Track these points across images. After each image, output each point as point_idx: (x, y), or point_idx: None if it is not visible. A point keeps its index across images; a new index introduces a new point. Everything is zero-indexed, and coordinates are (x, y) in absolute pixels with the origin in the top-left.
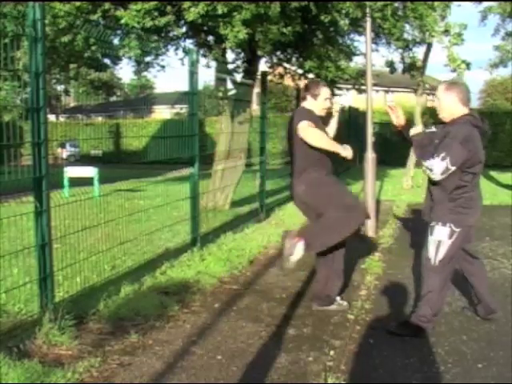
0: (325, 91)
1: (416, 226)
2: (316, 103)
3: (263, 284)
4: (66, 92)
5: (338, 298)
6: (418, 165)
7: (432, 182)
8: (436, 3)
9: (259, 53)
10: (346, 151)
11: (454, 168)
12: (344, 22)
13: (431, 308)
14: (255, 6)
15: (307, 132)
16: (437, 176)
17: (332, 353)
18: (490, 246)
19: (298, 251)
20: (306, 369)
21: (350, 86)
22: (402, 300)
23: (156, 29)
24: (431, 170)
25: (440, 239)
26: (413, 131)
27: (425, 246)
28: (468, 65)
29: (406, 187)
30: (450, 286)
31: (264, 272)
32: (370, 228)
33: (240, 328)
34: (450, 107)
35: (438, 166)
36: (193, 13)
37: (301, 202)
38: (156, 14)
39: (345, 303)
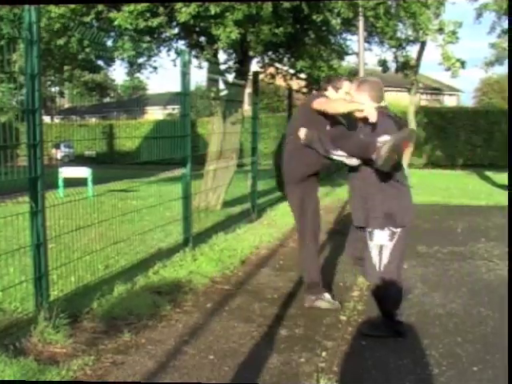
0: (346, 85)
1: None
2: (337, 96)
3: (255, 284)
4: (61, 94)
5: (327, 295)
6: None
7: (352, 187)
8: (430, 1)
9: (251, 53)
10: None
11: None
12: (336, 22)
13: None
14: (247, 6)
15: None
16: (344, 159)
17: (324, 354)
18: (486, 247)
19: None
20: (297, 370)
21: None
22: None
23: (149, 30)
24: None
25: (382, 243)
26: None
27: (365, 252)
28: (463, 63)
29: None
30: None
31: (256, 272)
32: None
33: (232, 328)
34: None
35: (339, 157)
36: (184, 14)
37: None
38: (148, 15)
39: (336, 302)
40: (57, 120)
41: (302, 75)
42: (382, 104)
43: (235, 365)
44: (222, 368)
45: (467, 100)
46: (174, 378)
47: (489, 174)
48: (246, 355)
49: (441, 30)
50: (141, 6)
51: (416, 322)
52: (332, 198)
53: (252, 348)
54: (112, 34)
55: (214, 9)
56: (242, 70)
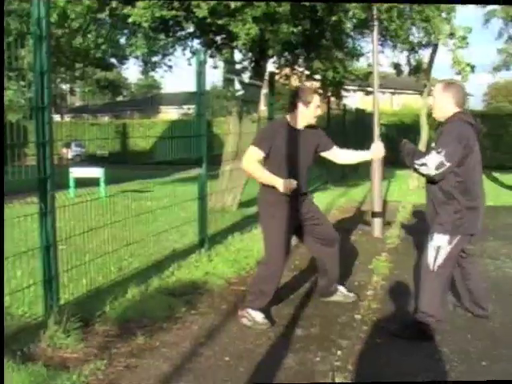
0: (316, 99)
1: (422, 226)
2: (308, 112)
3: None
4: (72, 91)
5: (343, 288)
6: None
7: (430, 186)
8: (442, 5)
9: (269, 52)
10: (285, 185)
11: (449, 164)
12: (349, 24)
13: (432, 311)
14: (266, 4)
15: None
16: (431, 171)
17: (339, 353)
18: (494, 245)
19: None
20: (313, 369)
21: (356, 88)
22: (408, 300)
23: (163, 28)
24: (425, 164)
25: (439, 245)
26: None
27: (424, 250)
28: (472, 68)
29: (412, 188)
30: (448, 288)
31: None
32: (376, 228)
33: (248, 329)
34: (444, 107)
35: (433, 160)
36: (204, 9)
37: None
38: (164, 8)
39: (351, 294)
40: (67, 118)
41: (317, 76)
42: (459, 109)
43: (251, 366)
44: (238, 369)
45: (477, 104)
46: (189, 381)
47: (497, 175)
48: (262, 356)
49: (452, 35)
50: (157, 1)
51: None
52: (347, 199)
53: (268, 348)
54: (125, 31)
55: (233, 3)
56: (258, 70)
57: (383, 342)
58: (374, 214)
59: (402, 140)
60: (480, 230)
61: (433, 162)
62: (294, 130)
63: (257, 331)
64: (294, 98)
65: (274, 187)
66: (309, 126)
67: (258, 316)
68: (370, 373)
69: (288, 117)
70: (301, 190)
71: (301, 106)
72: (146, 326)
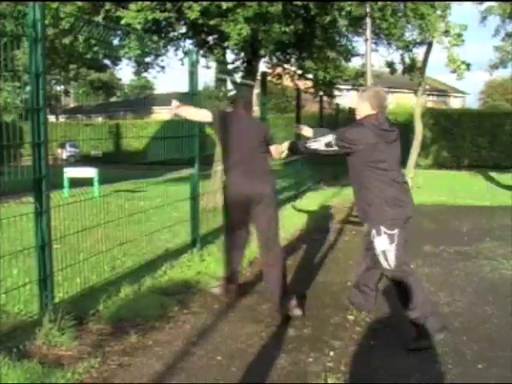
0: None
1: (416, 226)
2: None
3: (263, 285)
4: (66, 92)
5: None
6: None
7: (356, 186)
8: (436, 3)
9: (261, 52)
10: None
11: (335, 147)
12: (343, 23)
13: (425, 312)
14: (258, 4)
15: None
16: (321, 146)
17: (332, 353)
18: (490, 246)
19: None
20: (306, 369)
21: (350, 87)
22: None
23: (156, 29)
24: (318, 140)
25: (384, 249)
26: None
27: (375, 261)
28: (468, 65)
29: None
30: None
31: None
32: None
33: (240, 329)
34: (362, 111)
35: (326, 138)
36: (195, 10)
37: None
38: (157, 10)
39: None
40: (62, 119)
41: (310, 76)
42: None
43: (243, 365)
44: (230, 369)
45: (473, 102)
46: (181, 380)
47: (493, 174)
48: (254, 356)
49: (447, 33)
50: (149, 3)
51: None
52: (340, 199)
53: (260, 348)
54: (119, 32)
55: (225, 4)
56: (250, 70)
57: (376, 343)
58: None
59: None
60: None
61: (326, 138)
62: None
63: (250, 330)
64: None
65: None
66: None
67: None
68: (362, 374)
69: None
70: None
71: None
72: (138, 324)
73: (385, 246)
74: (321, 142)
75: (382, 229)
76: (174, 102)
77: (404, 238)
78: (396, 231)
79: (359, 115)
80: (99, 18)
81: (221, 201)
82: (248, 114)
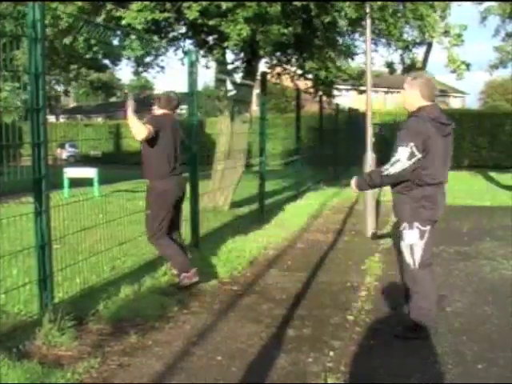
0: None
1: None
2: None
3: (263, 285)
4: (66, 93)
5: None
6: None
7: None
8: (436, 3)
9: (260, 53)
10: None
11: (419, 155)
12: (343, 23)
13: (426, 314)
14: (257, 4)
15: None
16: (405, 163)
17: (332, 354)
18: (490, 246)
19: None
20: (305, 369)
21: (349, 87)
22: (402, 301)
23: (156, 29)
24: (398, 160)
25: (412, 243)
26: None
27: (399, 252)
28: (468, 66)
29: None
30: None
31: (264, 273)
32: (369, 229)
33: (240, 329)
34: (412, 100)
35: (403, 153)
36: (194, 10)
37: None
38: (156, 11)
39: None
40: (62, 119)
41: (310, 76)
42: (426, 103)
43: (243, 365)
44: (230, 369)
45: (472, 102)
46: (181, 380)
47: (493, 174)
48: (254, 356)
49: (446, 33)
50: (149, 3)
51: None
52: (340, 199)
53: (260, 348)
54: (118, 32)
55: (225, 4)
56: (249, 70)
57: (376, 343)
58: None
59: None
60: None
61: (404, 155)
62: None
63: (250, 330)
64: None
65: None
66: None
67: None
68: (362, 374)
69: None
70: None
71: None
72: (138, 324)
73: (414, 239)
74: (401, 161)
75: (415, 224)
76: (130, 102)
77: (434, 233)
78: (428, 228)
79: (411, 106)
80: (100, 19)
81: (221, 201)
82: (172, 115)
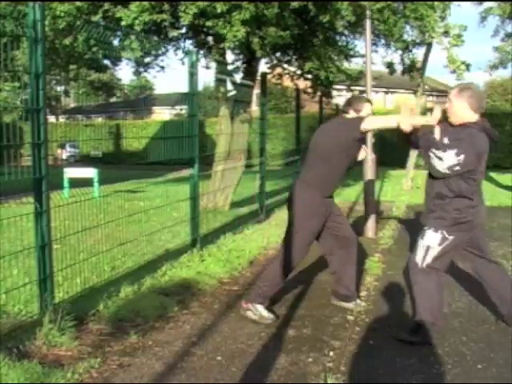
0: (367, 107)
1: (415, 227)
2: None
3: None
4: (66, 93)
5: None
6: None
7: (433, 181)
8: (436, 3)
9: (258, 54)
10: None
11: (459, 169)
12: (341, 24)
13: (432, 317)
14: (254, 6)
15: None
16: (443, 168)
17: (332, 354)
18: (490, 246)
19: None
20: (305, 370)
21: (349, 87)
22: (401, 301)
23: (156, 29)
24: (441, 159)
25: (429, 244)
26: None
27: (414, 248)
28: (468, 66)
29: (405, 188)
30: (444, 287)
31: None
32: (369, 229)
33: (240, 329)
34: (460, 112)
35: (449, 160)
36: (189, 15)
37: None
38: (154, 11)
39: (362, 303)
40: (62, 120)
41: (309, 76)
42: (476, 116)
43: (243, 365)
44: (230, 369)
45: None
46: (181, 380)
47: (493, 175)
48: (254, 356)
49: (446, 33)
50: (148, 3)
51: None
52: (340, 199)
53: (260, 349)
54: (118, 33)
55: (220, 7)
56: (249, 71)
57: (376, 343)
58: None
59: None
60: (477, 227)
61: (448, 162)
62: None
63: (250, 331)
64: (347, 106)
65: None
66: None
67: (263, 310)
68: (362, 374)
69: None
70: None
71: (351, 113)
72: (138, 324)
73: (433, 243)
74: (443, 162)
75: (442, 230)
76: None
77: (457, 246)
78: (452, 237)
79: (458, 120)
80: (96, 18)
81: (221, 201)
82: None
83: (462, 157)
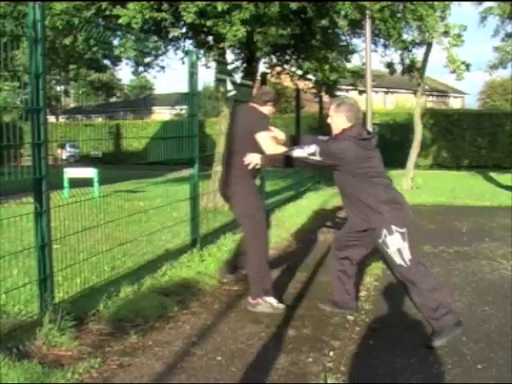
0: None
1: (415, 227)
2: (264, 109)
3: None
4: (66, 93)
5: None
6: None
7: (351, 197)
8: (436, 3)
9: (258, 54)
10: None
11: (319, 158)
12: (343, 24)
13: (442, 305)
14: (254, 6)
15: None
16: (304, 153)
17: (332, 354)
18: (490, 246)
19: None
20: (305, 370)
21: (350, 87)
22: (401, 301)
23: (155, 29)
24: (302, 148)
25: (399, 247)
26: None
27: (389, 261)
28: (467, 66)
29: (405, 188)
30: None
31: None
32: None
33: (240, 329)
34: (339, 125)
35: (310, 148)
36: (191, 13)
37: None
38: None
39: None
40: (62, 120)
41: (309, 76)
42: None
43: (243, 365)
44: (230, 369)
45: (472, 102)
46: (181, 380)
47: (493, 175)
48: (254, 356)
49: (446, 33)
50: (146, 3)
51: (422, 321)
52: (339, 199)
53: (260, 349)
54: (118, 33)
55: (221, 6)
56: (249, 71)
57: (376, 343)
58: None
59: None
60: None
61: (309, 149)
62: None
63: (250, 331)
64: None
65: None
66: None
67: (273, 300)
68: (362, 374)
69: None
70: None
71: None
72: (138, 324)
73: (399, 243)
74: (304, 151)
75: (393, 227)
76: None
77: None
78: (405, 230)
79: (336, 130)
80: (89, 14)
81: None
82: None
83: (320, 147)
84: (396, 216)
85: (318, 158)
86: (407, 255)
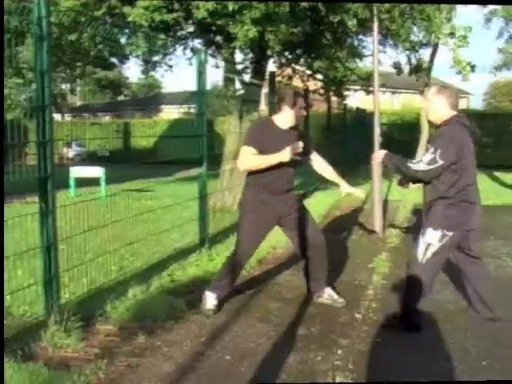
0: (301, 101)
1: (418, 226)
2: (292, 113)
3: (272, 284)
4: (72, 91)
5: (331, 291)
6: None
7: (425, 190)
8: (442, 5)
9: (269, 52)
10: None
11: (442, 162)
12: (352, 23)
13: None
14: (265, 5)
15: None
16: (423, 166)
17: (340, 352)
18: (494, 245)
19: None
20: (314, 368)
21: (357, 87)
22: None
23: (164, 27)
24: (420, 160)
25: (430, 242)
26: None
27: (415, 243)
28: (473, 67)
29: (412, 187)
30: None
31: (273, 272)
32: (377, 227)
33: (249, 328)
34: (439, 110)
35: (426, 157)
36: (202, 10)
37: None
38: (164, 11)
39: (340, 299)
40: (68, 118)
41: (319, 76)
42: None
43: (252, 365)
44: (239, 368)
45: (477, 103)
46: (190, 380)
47: (497, 174)
48: (263, 355)
49: (452, 34)
50: (157, 2)
51: (429, 319)
52: (348, 199)
53: (269, 347)
54: (126, 30)
55: (232, 5)
56: (258, 70)
57: (384, 341)
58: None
59: (384, 153)
60: (475, 227)
61: (426, 159)
62: (280, 130)
63: (259, 329)
64: (280, 101)
65: (257, 187)
66: (292, 128)
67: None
68: (370, 372)
69: (274, 118)
70: (284, 187)
71: (286, 109)
72: (147, 325)
73: (433, 240)
74: (419, 165)
75: (442, 228)
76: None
77: (454, 242)
78: (451, 233)
79: (439, 118)
80: (100, 14)
81: (230, 200)
82: None
83: (437, 152)
84: (454, 220)
85: (440, 162)
86: (429, 255)
